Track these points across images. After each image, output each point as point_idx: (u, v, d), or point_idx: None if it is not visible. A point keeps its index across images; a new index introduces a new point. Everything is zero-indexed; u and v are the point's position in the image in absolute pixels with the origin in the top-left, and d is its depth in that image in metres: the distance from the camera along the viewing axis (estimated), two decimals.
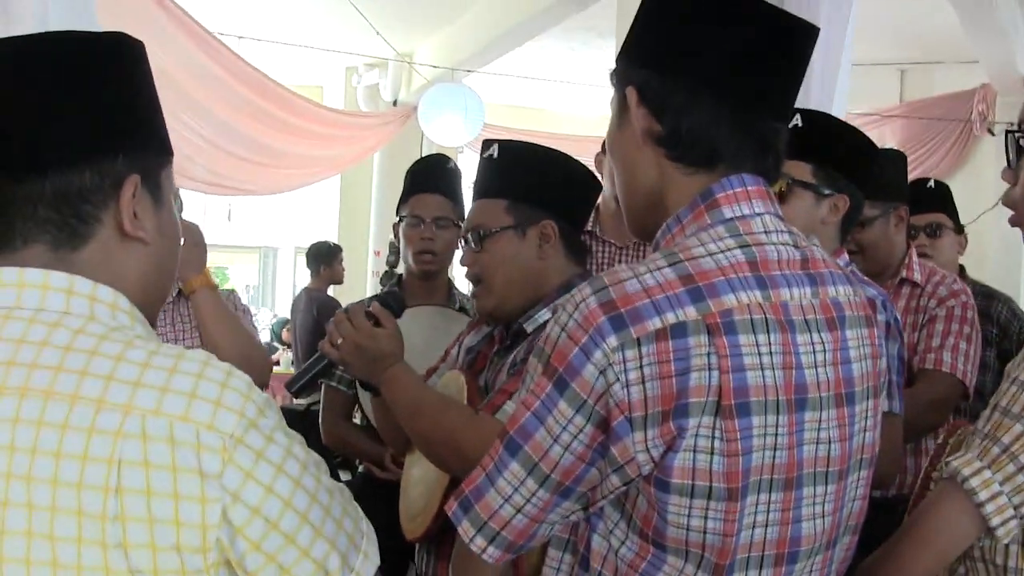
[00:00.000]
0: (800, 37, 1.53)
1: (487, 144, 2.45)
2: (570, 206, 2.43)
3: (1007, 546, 1.69)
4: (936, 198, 3.79)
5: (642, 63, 1.53)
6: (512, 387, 2.21)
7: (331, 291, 9.46)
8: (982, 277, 4.18)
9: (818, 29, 1.55)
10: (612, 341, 1.34)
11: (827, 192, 2.54)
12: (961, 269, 3.94)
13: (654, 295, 1.37)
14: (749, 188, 1.49)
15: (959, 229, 3.93)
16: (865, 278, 2.60)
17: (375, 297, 2.60)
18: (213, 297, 2.56)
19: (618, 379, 1.34)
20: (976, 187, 8.09)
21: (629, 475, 1.38)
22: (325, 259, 9.27)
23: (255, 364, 2.65)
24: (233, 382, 1.25)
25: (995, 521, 1.60)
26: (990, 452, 1.61)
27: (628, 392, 1.34)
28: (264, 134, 8.74)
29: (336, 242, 9.81)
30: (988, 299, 3.76)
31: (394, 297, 2.53)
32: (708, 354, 1.35)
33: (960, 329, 3.10)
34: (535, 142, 2.54)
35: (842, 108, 3.87)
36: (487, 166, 2.43)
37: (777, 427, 1.39)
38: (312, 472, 1.31)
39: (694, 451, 1.35)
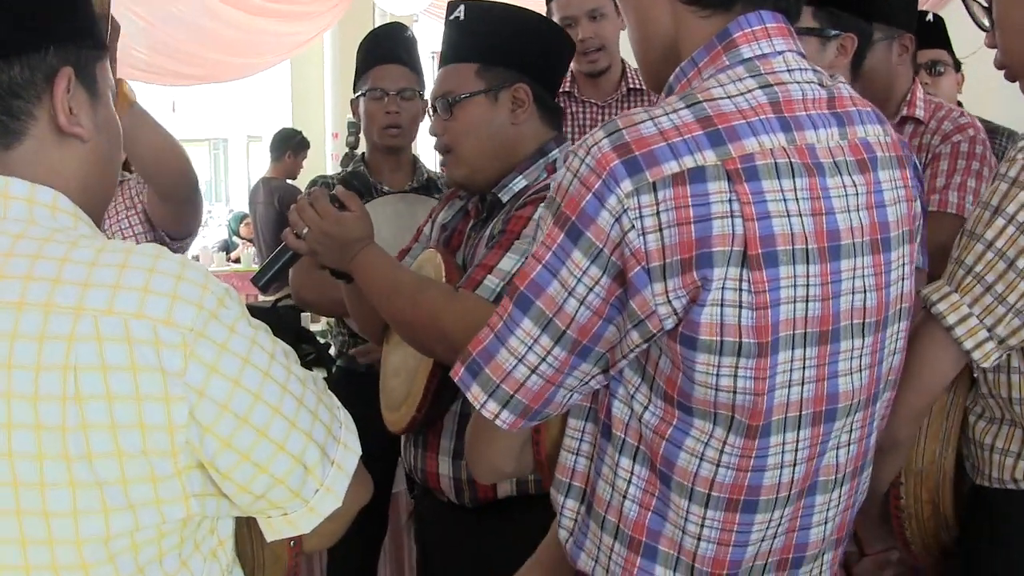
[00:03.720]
0: None
1: (452, 6, 2.39)
2: (544, 68, 2.38)
3: (1008, 377, 1.74)
4: (936, 33, 3.66)
5: None
6: (491, 261, 2.18)
7: (298, 177, 9.35)
8: (985, 113, 4.12)
9: None
10: (626, 186, 1.32)
11: (832, 34, 2.42)
12: (959, 106, 3.88)
13: (671, 138, 1.34)
14: (768, 25, 1.46)
15: (957, 66, 3.84)
16: None
17: (338, 179, 2.54)
18: (139, 115, 2.57)
19: (633, 226, 1.32)
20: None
21: (650, 330, 1.37)
22: (294, 147, 9.13)
23: (191, 175, 2.79)
24: (189, 273, 1.23)
25: (968, 344, 1.65)
26: (956, 275, 1.67)
27: (644, 240, 1.32)
28: (207, 9, 8.56)
29: (297, 131, 9.64)
30: (990, 135, 3.68)
31: (358, 177, 2.48)
32: (729, 201, 1.32)
33: (968, 166, 2.90)
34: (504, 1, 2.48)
35: None
36: (454, 29, 2.37)
37: (808, 277, 1.38)
38: (281, 361, 1.30)
39: (721, 305, 1.33)
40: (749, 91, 1.40)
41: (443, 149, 2.38)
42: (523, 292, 1.40)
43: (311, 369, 4.51)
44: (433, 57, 11.66)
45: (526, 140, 2.34)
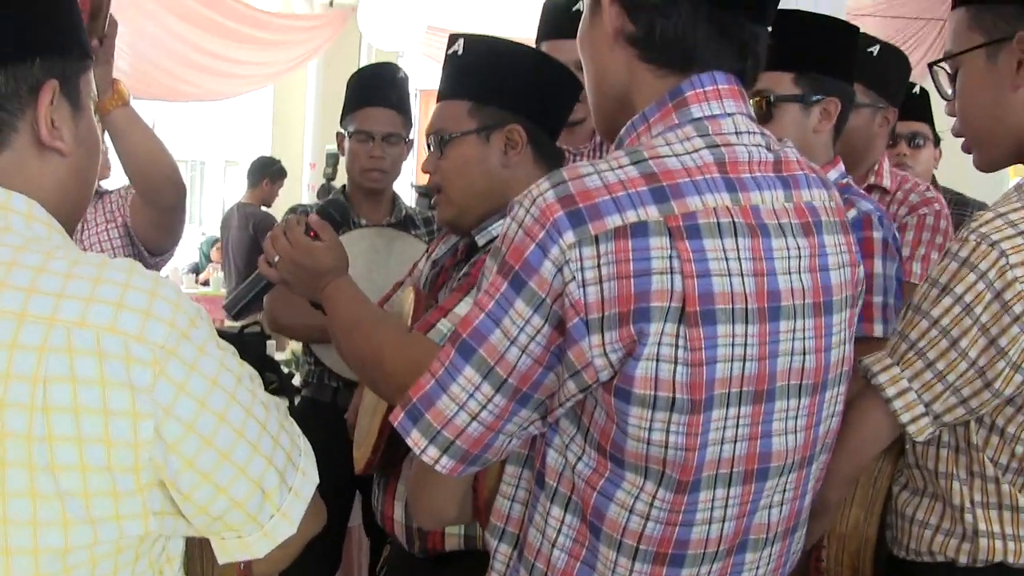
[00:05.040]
0: None
1: (452, 39, 2.34)
2: (542, 108, 2.31)
3: (937, 450, 1.76)
4: (922, 106, 3.72)
5: None
6: (448, 304, 2.14)
7: (274, 204, 9.34)
8: (959, 184, 4.17)
9: None
10: (569, 237, 1.34)
11: (815, 99, 2.45)
12: (933, 179, 3.93)
13: (615, 192, 1.36)
14: (720, 87, 1.48)
15: (936, 140, 3.90)
16: (862, 191, 2.56)
17: (316, 208, 2.53)
18: (132, 115, 2.58)
19: (574, 278, 1.34)
20: None
21: (586, 381, 1.38)
22: (272, 175, 9.11)
23: (179, 181, 2.78)
24: (162, 291, 1.24)
25: (904, 418, 1.68)
26: (899, 349, 1.69)
27: (584, 292, 1.34)
28: (191, 36, 8.58)
29: (276, 159, 9.62)
30: (960, 207, 3.75)
31: (335, 206, 2.44)
32: (670, 257, 1.34)
33: (932, 239, 3.00)
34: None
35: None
36: (451, 64, 2.32)
37: (747, 337, 1.39)
38: (247, 385, 1.31)
39: (657, 360, 1.35)
40: (696, 150, 1.42)
41: (435, 188, 2.33)
42: (465, 339, 1.42)
43: (275, 397, 4.47)
44: (417, 94, 11.69)
45: (518, 183, 2.14)
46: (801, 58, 2.39)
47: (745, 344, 1.39)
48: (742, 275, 1.39)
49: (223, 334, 4.45)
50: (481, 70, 2.29)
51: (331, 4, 11.01)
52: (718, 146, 1.44)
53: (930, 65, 1.86)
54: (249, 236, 8.61)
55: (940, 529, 1.78)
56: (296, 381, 4.61)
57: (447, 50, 2.34)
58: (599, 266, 1.33)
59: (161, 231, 2.98)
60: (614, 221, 1.34)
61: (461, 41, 2.30)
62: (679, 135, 1.45)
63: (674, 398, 1.37)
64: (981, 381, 1.65)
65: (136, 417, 1.19)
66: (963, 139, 1.87)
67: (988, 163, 1.85)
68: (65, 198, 1.37)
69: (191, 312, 1.26)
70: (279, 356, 5.34)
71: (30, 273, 1.21)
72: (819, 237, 1.49)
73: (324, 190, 8.55)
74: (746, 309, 1.39)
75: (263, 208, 9.15)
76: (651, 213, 1.35)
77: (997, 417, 1.71)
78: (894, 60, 3.10)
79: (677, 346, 1.35)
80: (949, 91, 1.85)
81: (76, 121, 1.37)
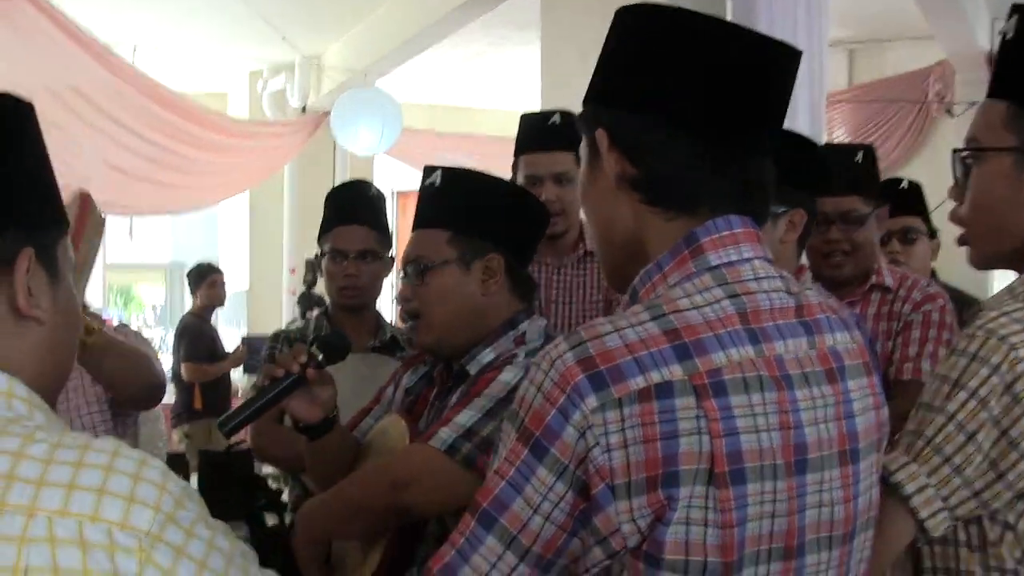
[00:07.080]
0: (782, 61, 1.49)
1: (428, 171, 2.39)
2: (517, 239, 2.38)
3: (956, 550, 1.76)
4: (911, 200, 3.71)
5: (612, 103, 1.48)
6: (449, 416, 2.18)
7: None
8: (947, 274, 4.14)
9: (800, 52, 1.50)
10: (591, 401, 1.29)
11: (781, 210, 2.47)
12: (932, 273, 3.89)
13: (637, 351, 1.31)
14: (736, 231, 1.44)
15: (932, 233, 3.86)
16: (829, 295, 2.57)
17: (316, 338, 2.51)
18: (103, 343, 2.59)
19: (598, 443, 1.29)
20: (937, 173, 7.80)
21: (613, 548, 1.33)
22: (194, 283, 9.06)
23: (157, 387, 2.86)
24: (146, 472, 1.20)
25: (923, 514, 1.67)
26: (915, 446, 1.68)
27: (609, 457, 1.29)
28: (165, 147, 8.62)
29: (212, 263, 9.35)
30: (961, 304, 3.73)
31: (339, 337, 2.44)
32: (697, 417, 1.30)
33: (939, 335, 2.98)
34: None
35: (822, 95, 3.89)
36: (428, 194, 2.37)
37: (775, 493, 1.35)
38: (238, 564, 1.26)
39: (687, 523, 1.30)
40: (716, 301, 1.39)
41: (412, 314, 2.36)
42: (486, 509, 1.37)
43: (262, 515, 4.41)
44: (394, 195, 11.73)
45: (496, 310, 2.33)
46: None
47: (774, 501, 1.35)
48: (769, 430, 1.34)
49: (209, 454, 4.43)
50: (460, 201, 2.35)
51: (303, 111, 11.08)
52: (739, 295, 1.40)
53: (955, 151, 1.82)
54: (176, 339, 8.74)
55: None
56: (284, 497, 4.55)
57: (423, 181, 2.40)
58: (624, 430, 1.29)
59: (140, 407, 3.13)
60: (637, 383, 1.30)
61: (438, 173, 2.36)
62: (697, 285, 1.41)
63: (706, 562, 1.31)
64: (994, 473, 1.66)
65: None
66: (961, 231, 1.84)
67: (983, 261, 1.85)
68: (45, 369, 1.34)
69: (177, 492, 1.21)
70: (267, 470, 5.26)
71: (8, 459, 1.17)
72: (843, 383, 1.45)
73: (305, 297, 8.56)
74: (774, 465, 1.35)
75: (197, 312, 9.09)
76: (675, 372, 1.31)
77: (1009, 515, 1.71)
78: (871, 158, 3.12)
79: (707, 508, 1.30)
80: (961, 176, 1.82)
81: (54, 289, 1.35)
